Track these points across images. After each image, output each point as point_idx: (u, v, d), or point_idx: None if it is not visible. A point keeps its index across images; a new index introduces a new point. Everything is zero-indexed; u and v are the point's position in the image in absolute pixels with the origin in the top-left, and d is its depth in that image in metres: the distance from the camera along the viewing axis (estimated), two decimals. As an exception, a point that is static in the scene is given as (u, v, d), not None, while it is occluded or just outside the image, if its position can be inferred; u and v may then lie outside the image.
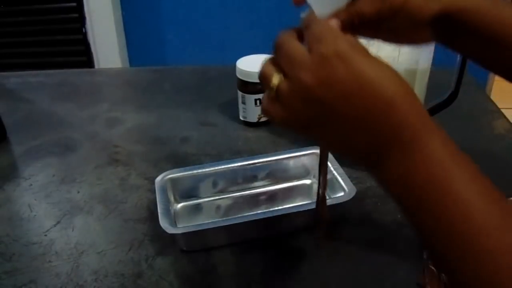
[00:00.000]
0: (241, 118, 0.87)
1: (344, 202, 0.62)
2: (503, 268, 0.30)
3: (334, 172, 0.66)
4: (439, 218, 0.33)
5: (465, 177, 0.33)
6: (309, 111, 0.36)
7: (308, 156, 0.71)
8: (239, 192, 0.70)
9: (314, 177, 0.71)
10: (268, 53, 0.40)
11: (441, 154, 0.34)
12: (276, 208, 0.67)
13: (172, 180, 0.67)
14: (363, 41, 0.38)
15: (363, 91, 0.34)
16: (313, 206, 0.62)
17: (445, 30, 0.44)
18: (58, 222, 0.66)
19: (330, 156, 0.69)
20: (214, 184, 0.69)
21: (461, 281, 0.32)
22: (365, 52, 0.35)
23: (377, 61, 0.35)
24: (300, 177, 0.71)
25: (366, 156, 0.36)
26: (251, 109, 0.84)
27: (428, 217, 0.33)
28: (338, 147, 0.38)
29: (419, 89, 0.73)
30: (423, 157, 0.34)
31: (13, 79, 1.09)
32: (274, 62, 0.38)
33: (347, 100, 0.34)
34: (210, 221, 0.64)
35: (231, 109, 0.90)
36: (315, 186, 0.71)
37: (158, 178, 0.67)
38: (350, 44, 0.35)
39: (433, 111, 0.74)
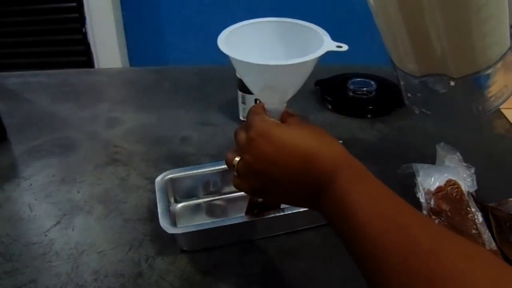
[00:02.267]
0: (241, 118, 0.87)
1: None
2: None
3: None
4: (350, 244, 0.40)
5: (365, 203, 0.39)
6: (255, 181, 0.47)
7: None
8: (239, 192, 0.70)
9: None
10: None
11: (345, 194, 0.41)
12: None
13: (172, 180, 0.67)
14: None
15: (283, 155, 0.44)
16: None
17: None
18: (58, 222, 0.65)
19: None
20: (214, 184, 0.69)
21: None
22: (282, 126, 0.46)
23: (291, 129, 0.46)
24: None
25: (304, 203, 0.46)
26: (251, 109, 0.84)
27: (349, 239, 0.40)
28: (285, 202, 0.53)
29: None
30: (334, 197, 0.41)
31: (13, 79, 1.09)
32: (234, 149, 0.50)
33: (274, 166, 0.44)
34: (210, 221, 0.64)
35: (231, 109, 0.90)
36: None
37: (158, 178, 0.67)
38: (269, 124, 0.46)
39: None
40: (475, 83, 0.54)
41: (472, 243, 0.36)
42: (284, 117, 0.50)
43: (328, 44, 0.45)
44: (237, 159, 0.48)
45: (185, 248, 0.60)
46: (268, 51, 0.50)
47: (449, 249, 0.34)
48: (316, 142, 0.44)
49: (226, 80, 0.97)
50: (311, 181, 0.43)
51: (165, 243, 0.61)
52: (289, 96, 0.50)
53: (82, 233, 0.64)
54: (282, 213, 0.62)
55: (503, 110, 0.93)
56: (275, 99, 0.50)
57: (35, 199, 0.70)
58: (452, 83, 0.54)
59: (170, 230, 0.58)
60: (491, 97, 0.56)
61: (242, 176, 0.49)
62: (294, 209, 0.62)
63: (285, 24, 0.50)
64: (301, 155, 0.43)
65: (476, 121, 0.91)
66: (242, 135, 0.48)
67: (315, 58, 0.45)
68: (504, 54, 0.52)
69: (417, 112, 0.64)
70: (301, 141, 0.44)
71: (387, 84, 0.95)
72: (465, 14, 0.49)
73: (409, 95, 0.64)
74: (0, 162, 0.79)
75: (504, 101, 0.56)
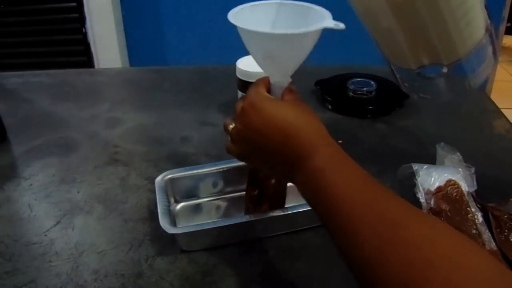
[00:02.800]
0: (241, 118, 0.87)
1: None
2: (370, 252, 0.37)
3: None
4: (327, 215, 0.42)
5: (339, 180, 0.43)
6: (243, 147, 0.52)
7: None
8: (239, 192, 0.70)
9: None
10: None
11: (321, 168, 0.44)
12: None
13: (172, 180, 0.67)
14: None
15: (267, 127, 0.48)
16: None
17: None
18: (58, 222, 0.65)
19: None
20: (214, 184, 0.69)
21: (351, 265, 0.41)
22: (272, 100, 0.50)
23: (281, 105, 0.50)
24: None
25: (284, 173, 0.49)
26: (251, 109, 0.84)
27: (322, 214, 0.43)
28: (268, 171, 0.56)
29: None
30: (311, 171, 0.44)
31: (13, 79, 1.09)
32: (233, 117, 0.54)
33: (258, 136, 0.49)
34: (210, 221, 0.64)
35: (231, 109, 0.89)
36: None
37: (158, 178, 0.67)
38: (261, 97, 0.50)
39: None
40: (464, 65, 0.62)
41: (434, 217, 0.41)
42: (283, 93, 0.53)
43: (327, 22, 0.47)
44: (231, 125, 0.53)
45: (185, 248, 0.60)
46: (272, 27, 0.54)
47: (414, 218, 0.38)
48: (300, 121, 0.48)
49: (226, 80, 0.97)
50: (289, 154, 0.47)
51: (165, 243, 0.61)
52: (290, 71, 0.52)
53: (82, 233, 0.64)
54: (282, 213, 0.62)
55: (503, 110, 0.93)
56: (275, 72, 0.53)
57: (35, 199, 0.70)
58: (444, 70, 0.62)
59: (170, 230, 0.58)
60: (478, 74, 0.64)
61: (233, 141, 0.53)
62: (294, 209, 0.62)
63: (291, 5, 0.53)
64: (283, 129, 0.47)
65: (476, 121, 0.91)
66: (239, 104, 0.52)
67: (312, 31, 0.47)
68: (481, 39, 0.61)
69: (416, 97, 0.70)
70: (286, 117, 0.48)
71: (387, 84, 0.95)
72: (448, 12, 0.56)
73: (406, 84, 0.68)
74: (0, 162, 0.79)
75: (489, 74, 0.63)
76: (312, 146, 0.46)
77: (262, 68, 0.54)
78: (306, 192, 0.46)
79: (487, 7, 0.59)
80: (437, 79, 0.64)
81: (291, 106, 0.50)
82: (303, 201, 0.66)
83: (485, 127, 0.88)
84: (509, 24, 1.95)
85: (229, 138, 0.54)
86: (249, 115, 0.50)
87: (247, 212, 0.63)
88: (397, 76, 0.67)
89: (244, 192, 0.70)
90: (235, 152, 0.54)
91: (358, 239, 0.38)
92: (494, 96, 1.23)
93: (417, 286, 0.33)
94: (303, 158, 0.45)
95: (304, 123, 0.48)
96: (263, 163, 0.52)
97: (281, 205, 0.63)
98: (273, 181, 0.61)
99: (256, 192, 0.62)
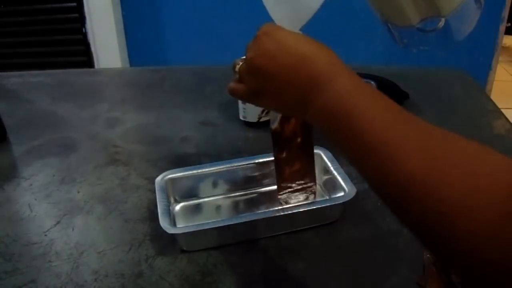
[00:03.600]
0: (241, 118, 0.87)
1: (344, 202, 0.62)
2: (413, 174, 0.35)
3: (334, 172, 0.66)
4: (355, 140, 0.39)
5: (369, 104, 0.40)
6: (254, 80, 0.49)
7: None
8: (239, 192, 0.70)
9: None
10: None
11: (349, 90, 0.42)
12: (276, 208, 0.67)
13: (172, 180, 0.67)
14: None
15: (282, 51, 0.45)
16: (314, 206, 0.63)
17: None
18: (58, 222, 0.65)
19: (330, 156, 0.69)
20: (214, 184, 0.69)
21: (382, 192, 0.38)
22: (286, 30, 0.48)
23: (295, 33, 0.48)
24: (300, 177, 0.71)
25: (296, 105, 0.46)
26: (251, 109, 0.84)
27: (346, 139, 0.41)
28: (280, 105, 0.49)
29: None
30: (335, 94, 0.42)
31: (13, 79, 1.09)
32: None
33: (273, 62, 0.46)
34: (210, 221, 0.64)
35: (231, 109, 0.90)
36: (315, 186, 0.71)
37: (158, 178, 0.67)
38: (277, 26, 0.49)
39: None
40: (457, 16, 0.65)
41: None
42: None
43: None
44: (240, 63, 0.51)
45: (185, 248, 0.60)
46: None
47: (453, 136, 0.36)
48: (318, 47, 0.45)
49: (226, 80, 0.97)
50: (307, 79, 0.44)
51: (165, 243, 0.61)
52: (301, 22, 0.51)
53: (82, 233, 0.64)
54: (282, 213, 0.62)
55: (503, 110, 0.93)
56: (287, 19, 0.51)
57: (35, 199, 0.70)
58: (442, 22, 0.65)
59: (170, 230, 0.58)
60: (468, 24, 0.69)
61: (240, 77, 0.51)
62: (294, 209, 0.62)
63: None
64: (301, 55, 0.45)
65: (476, 121, 0.91)
66: (253, 39, 0.50)
67: None
68: None
69: (415, 51, 0.72)
70: (303, 44, 0.46)
71: (387, 84, 0.95)
72: None
73: (405, 40, 0.70)
74: (0, 162, 0.79)
75: (474, 22, 0.69)
76: (333, 69, 0.43)
77: (273, 14, 0.52)
78: (326, 120, 0.42)
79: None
80: (435, 31, 0.67)
81: (307, 37, 0.47)
82: (303, 201, 0.67)
83: (485, 127, 0.88)
84: (509, 24, 1.95)
85: (236, 77, 0.52)
86: (263, 41, 0.47)
87: (280, 177, 0.61)
88: (395, 34, 0.70)
89: (243, 192, 0.70)
90: (243, 89, 0.51)
91: (396, 160, 0.36)
92: (494, 96, 1.23)
93: (476, 198, 0.32)
94: (325, 83, 0.43)
95: (322, 50, 0.45)
96: (273, 96, 0.48)
97: (311, 158, 0.61)
98: (299, 139, 0.58)
99: (284, 154, 0.60)
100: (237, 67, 0.51)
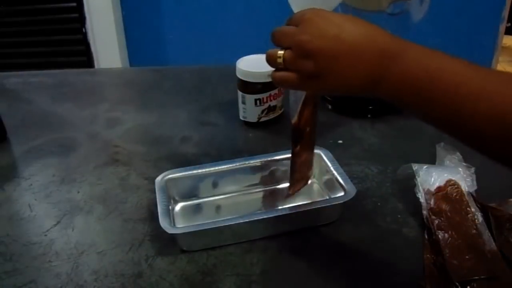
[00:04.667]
0: (241, 118, 0.87)
1: (344, 202, 0.62)
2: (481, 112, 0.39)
3: (334, 172, 0.66)
4: (443, 95, 0.41)
5: (449, 60, 0.42)
6: (311, 64, 0.46)
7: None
8: (239, 192, 0.70)
9: (314, 177, 0.71)
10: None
11: (426, 53, 0.43)
12: (276, 208, 0.67)
13: (172, 180, 0.67)
14: None
15: (345, 30, 0.45)
16: (314, 206, 0.63)
17: None
18: (58, 222, 0.65)
19: (330, 156, 0.69)
20: (214, 184, 0.69)
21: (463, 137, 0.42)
22: (335, 13, 0.48)
23: (345, 15, 0.47)
24: (300, 177, 0.71)
25: (366, 82, 0.45)
26: (251, 109, 0.84)
27: (432, 99, 0.42)
28: (341, 84, 0.47)
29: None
30: (414, 59, 0.43)
31: (13, 79, 1.09)
32: (276, 46, 0.49)
33: (336, 41, 0.45)
34: (210, 221, 0.64)
35: (231, 109, 0.90)
36: (316, 186, 0.71)
37: (158, 178, 0.67)
38: (323, 9, 0.47)
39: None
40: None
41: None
42: None
43: None
44: (281, 51, 0.48)
45: (185, 248, 0.60)
46: None
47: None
48: (376, 26, 0.46)
49: (226, 80, 0.97)
50: (378, 53, 0.44)
51: (165, 243, 0.61)
52: (332, 4, 0.52)
53: (82, 233, 0.64)
54: (282, 213, 0.62)
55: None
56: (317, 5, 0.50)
57: (35, 199, 0.70)
58: (407, 4, 0.75)
59: (170, 230, 0.58)
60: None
61: (289, 64, 0.48)
62: (294, 209, 0.62)
63: None
64: (365, 33, 0.45)
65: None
66: (287, 27, 0.48)
67: None
68: None
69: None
70: (360, 22, 0.46)
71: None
72: None
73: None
74: (0, 162, 0.79)
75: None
76: (400, 41, 0.44)
77: (294, 5, 0.52)
78: (406, 88, 0.43)
79: None
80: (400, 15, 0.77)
81: (360, 19, 0.47)
82: (303, 201, 0.67)
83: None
84: (509, 24, 1.95)
85: (280, 66, 0.49)
86: (318, 23, 0.46)
87: (293, 170, 0.61)
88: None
89: (243, 192, 0.70)
90: (295, 76, 0.48)
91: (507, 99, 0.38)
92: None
93: None
94: (396, 53, 0.43)
95: (378, 28, 0.46)
96: (338, 75, 0.46)
97: (313, 147, 0.63)
98: (308, 129, 0.59)
99: (298, 148, 0.59)
100: (279, 53, 0.48)
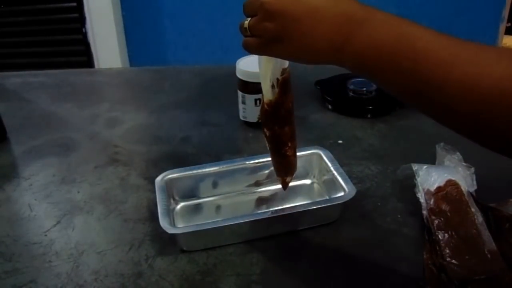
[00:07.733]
0: (241, 118, 0.87)
1: (344, 202, 0.62)
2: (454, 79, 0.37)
3: (334, 172, 0.66)
4: (413, 62, 0.38)
5: (420, 28, 0.40)
6: (272, 26, 0.45)
7: (307, 156, 0.71)
8: (239, 192, 0.70)
9: (314, 177, 0.72)
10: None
11: (394, 19, 0.41)
12: (276, 208, 0.67)
13: (172, 180, 0.67)
14: None
15: None
16: (314, 206, 0.63)
17: None
18: (58, 222, 0.66)
19: (330, 156, 0.69)
20: (214, 184, 0.69)
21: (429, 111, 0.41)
22: None
23: None
24: (300, 177, 0.71)
25: (329, 46, 0.43)
26: (251, 109, 0.84)
27: (402, 67, 0.39)
28: (304, 49, 0.45)
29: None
30: (381, 24, 0.41)
31: (13, 79, 1.09)
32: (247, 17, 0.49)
33: (298, 3, 0.43)
34: (210, 221, 0.64)
35: (231, 109, 0.90)
36: (316, 186, 0.71)
37: (158, 178, 0.67)
38: None
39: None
40: None
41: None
42: None
43: None
44: (248, 20, 0.49)
45: (185, 248, 0.60)
46: None
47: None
48: None
49: (226, 80, 0.97)
50: (342, 17, 0.42)
51: (165, 243, 0.61)
52: None
53: (82, 233, 0.64)
54: (282, 213, 0.62)
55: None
56: None
57: (35, 199, 0.70)
58: None
59: (170, 230, 0.58)
60: None
61: (253, 29, 0.48)
62: (294, 209, 0.62)
63: None
64: None
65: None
66: None
67: None
68: None
69: None
70: None
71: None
72: None
73: None
74: (0, 162, 0.79)
75: None
76: (367, 7, 0.42)
77: None
78: (373, 54, 0.41)
79: None
80: None
81: None
82: (303, 201, 0.67)
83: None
84: (509, 24, 1.95)
85: (246, 34, 0.49)
86: None
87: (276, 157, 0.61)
88: None
89: (242, 192, 0.70)
90: (258, 41, 0.48)
91: (480, 70, 0.36)
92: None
93: None
94: (362, 17, 0.42)
95: None
96: (298, 40, 0.45)
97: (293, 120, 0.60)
98: (282, 110, 0.57)
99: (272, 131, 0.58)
100: (245, 22, 0.49)
